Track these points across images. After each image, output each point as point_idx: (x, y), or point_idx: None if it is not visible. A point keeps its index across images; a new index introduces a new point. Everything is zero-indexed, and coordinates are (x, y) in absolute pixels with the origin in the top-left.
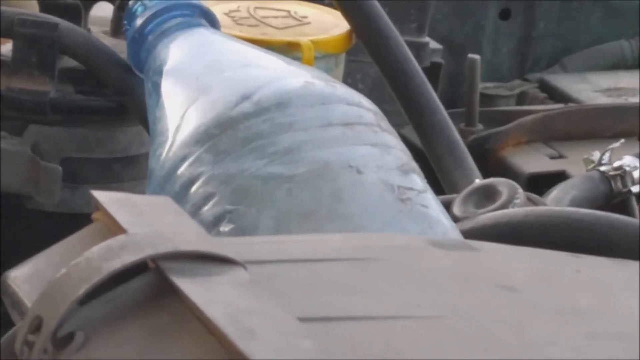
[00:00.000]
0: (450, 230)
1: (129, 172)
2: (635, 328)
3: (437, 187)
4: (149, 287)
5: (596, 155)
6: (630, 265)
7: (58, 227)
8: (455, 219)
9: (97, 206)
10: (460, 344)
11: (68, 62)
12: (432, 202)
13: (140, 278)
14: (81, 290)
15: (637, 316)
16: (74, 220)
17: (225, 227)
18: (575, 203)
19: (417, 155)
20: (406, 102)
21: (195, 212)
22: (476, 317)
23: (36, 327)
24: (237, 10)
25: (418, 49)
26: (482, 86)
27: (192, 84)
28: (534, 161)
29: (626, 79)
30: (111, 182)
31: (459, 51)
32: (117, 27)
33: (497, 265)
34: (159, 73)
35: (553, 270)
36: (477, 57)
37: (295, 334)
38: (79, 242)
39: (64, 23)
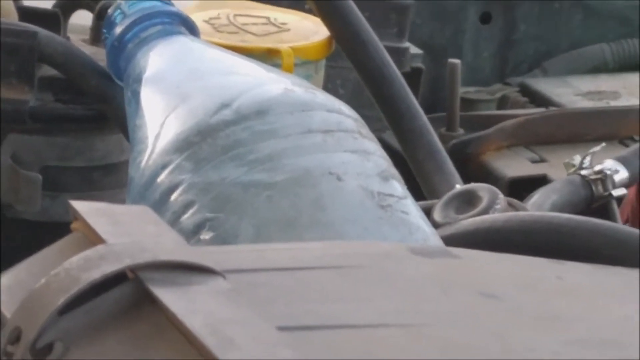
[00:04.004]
0: (431, 237)
1: (109, 180)
2: (615, 335)
3: (418, 192)
4: (128, 297)
5: (577, 159)
6: (612, 271)
7: (38, 235)
8: (436, 225)
9: (76, 216)
10: (442, 351)
11: (47, 70)
12: (412, 208)
13: (119, 288)
14: (60, 301)
15: (618, 323)
16: (54, 228)
17: (205, 235)
18: (556, 207)
19: (398, 160)
20: (386, 107)
21: (175, 220)
22: (457, 324)
23: (15, 338)
24: (217, 18)
25: (398, 54)
26: (462, 90)
27: (172, 91)
28: (515, 165)
29: (607, 83)
30: (91, 190)
31: (440, 56)
32: (97, 35)
33: (478, 273)
34: (139, 81)
35: (534, 276)
36: (457, 61)
37: (275, 343)
38: (58, 253)
39: (42, 31)
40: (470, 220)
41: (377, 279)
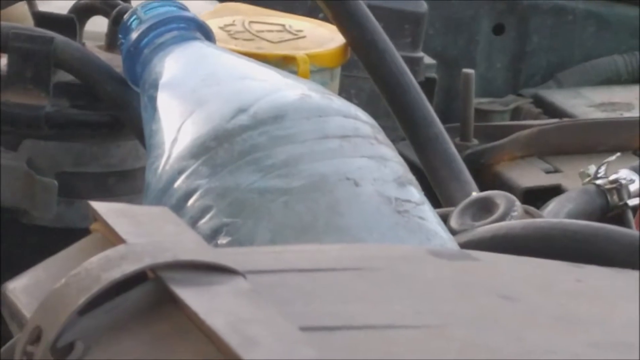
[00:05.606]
0: (448, 243)
1: (124, 186)
2: (635, 337)
3: (434, 200)
4: (149, 296)
5: (592, 168)
6: (630, 274)
7: (53, 241)
8: (453, 232)
9: (96, 217)
10: (460, 352)
11: (63, 76)
12: (429, 214)
13: (140, 288)
14: (81, 300)
15: (637, 325)
16: (69, 234)
17: (222, 240)
18: (571, 216)
19: (413, 170)
20: (402, 115)
21: (192, 225)
22: (476, 325)
23: (36, 338)
24: (233, 25)
25: (412, 64)
26: (476, 102)
27: (188, 97)
28: (529, 175)
29: (620, 94)
30: (106, 196)
31: (453, 66)
32: (112, 41)
33: (497, 275)
34: (155, 86)
35: (553, 279)
36: (471, 71)
37: (297, 342)
38: (77, 253)
39: (58, 37)
40: (487, 227)
41: (396, 280)
